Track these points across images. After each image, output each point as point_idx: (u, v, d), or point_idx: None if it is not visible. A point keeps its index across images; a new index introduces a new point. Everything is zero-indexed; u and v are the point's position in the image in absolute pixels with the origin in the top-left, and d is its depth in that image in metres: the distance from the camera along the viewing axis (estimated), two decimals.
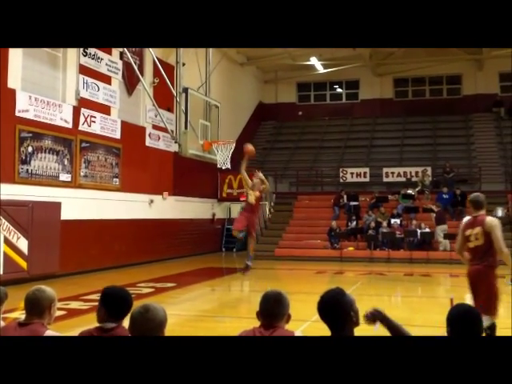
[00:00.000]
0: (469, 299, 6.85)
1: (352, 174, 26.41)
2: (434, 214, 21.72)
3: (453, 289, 15.24)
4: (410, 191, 23.43)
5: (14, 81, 14.42)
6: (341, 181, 26.02)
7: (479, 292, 6.76)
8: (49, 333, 3.58)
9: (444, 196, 22.88)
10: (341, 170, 26.70)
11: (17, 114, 14.39)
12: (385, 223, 21.81)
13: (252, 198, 11.44)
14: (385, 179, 26.03)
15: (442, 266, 19.33)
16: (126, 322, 3.35)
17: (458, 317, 3.14)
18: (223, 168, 17.78)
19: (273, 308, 3.53)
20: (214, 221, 25.54)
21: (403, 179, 25.42)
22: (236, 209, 27.19)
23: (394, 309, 7.94)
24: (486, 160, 26.37)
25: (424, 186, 24.37)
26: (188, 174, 22.20)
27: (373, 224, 21.85)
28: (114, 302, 3.56)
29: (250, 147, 11.89)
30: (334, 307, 3.19)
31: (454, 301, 12.09)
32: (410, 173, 25.56)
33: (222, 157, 16.98)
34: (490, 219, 6.91)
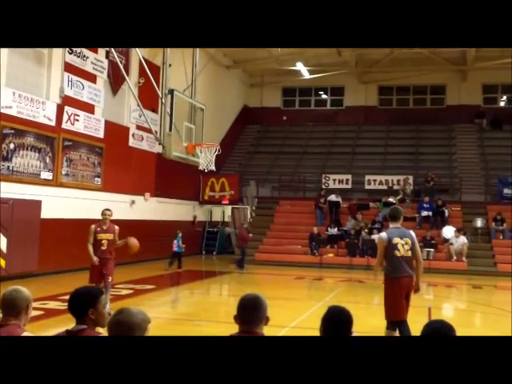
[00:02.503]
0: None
1: (334, 180, 26.53)
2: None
3: (431, 298, 15.30)
4: (390, 199, 23.57)
5: None
6: (323, 187, 26.08)
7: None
8: (26, 334, 3.55)
9: (424, 205, 23.04)
10: (323, 176, 26.80)
11: (0, 110, 14.27)
12: (365, 230, 21.90)
13: (105, 243, 10.50)
14: (367, 186, 26.17)
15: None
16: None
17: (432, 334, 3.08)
18: (206, 170, 17.75)
19: (251, 313, 3.53)
20: (195, 223, 25.49)
21: (385, 187, 25.57)
22: (218, 212, 27.20)
23: (371, 317, 7.96)
24: (467, 171, 26.63)
25: (405, 194, 24.53)
26: (170, 176, 22.14)
27: (353, 231, 21.97)
28: (70, 304, 3.54)
29: (135, 244, 10.49)
30: (341, 323, 3.39)
31: (432, 310, 12.13)
32: (392, 181, 25.74)
33: (206, 159, 16.95)
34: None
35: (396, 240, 7.34)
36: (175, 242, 18.68)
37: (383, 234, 7.56)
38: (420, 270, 7.51)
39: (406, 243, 7.36)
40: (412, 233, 7.57)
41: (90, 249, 10.45)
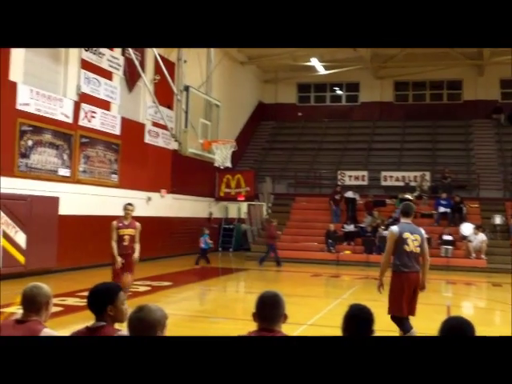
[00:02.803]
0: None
1: (350, 176, 26.41)
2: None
3: (450, 296, 15.22)
4: (407, 196, 23.40)
5: (15, 74, 14.41)
6: (339, 183, 25.99)
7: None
8: (46, 331, 3.56)
9: (442, 202, 22.88)
10: (339, 172, 26.69)
11: (18, 107, 14.38)
12: (382, 227, 21.79)
13: (127, 238, 10.11)
14: (383, 183, 26.02)
15: (439, 272, 19.26)
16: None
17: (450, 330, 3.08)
18: (222, 167, 17.78)
19: (270, 311, 3.53)
20: (211, 220, 25.52)
21: (401, 183, 25.41)
22: (233, 209, 27.21)
23: (387, 315, 7.95)
24: (485, 167, 26.39)
25: (422, 190, 24.39)
26: (186, 172, 22.19)
27: (369, 228, 21.88)
28: (89, 301, 3.57)
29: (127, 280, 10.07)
30: (362, 322, 3.38)
31: (451, 308, 12.00)
32: (409, 177, 25.56)
33: (222, 156, 16.96)
34: None
35: (406, 235, 7.34)
36: (202, 238, 19.02)
37: (394, 228, 7.55)
38: (426, 267, 7.48)
39: (416, 239, 7.36)
40: (422, 230, 7.58)
41: (115, 247, 10.17)
